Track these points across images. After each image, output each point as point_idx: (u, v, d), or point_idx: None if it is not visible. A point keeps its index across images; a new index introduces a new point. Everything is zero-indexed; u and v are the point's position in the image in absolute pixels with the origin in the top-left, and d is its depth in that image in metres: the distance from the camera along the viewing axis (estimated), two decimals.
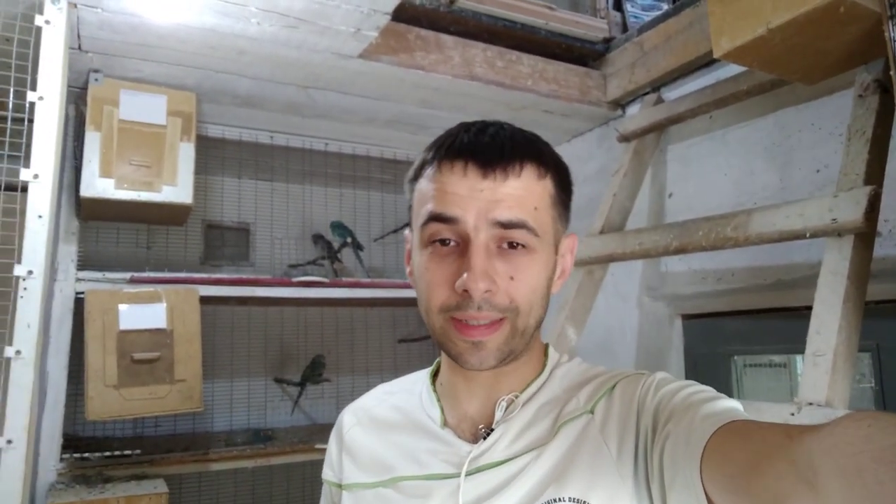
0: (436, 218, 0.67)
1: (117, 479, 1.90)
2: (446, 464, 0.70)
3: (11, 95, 1.48)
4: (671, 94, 2.06)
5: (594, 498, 0.62)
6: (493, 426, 0.71)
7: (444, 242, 0.67)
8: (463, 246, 0.66)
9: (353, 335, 2.60)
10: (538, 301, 0.68)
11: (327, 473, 0.82)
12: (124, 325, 1.83)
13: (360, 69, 1.89)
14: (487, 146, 0.67)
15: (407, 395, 0.80)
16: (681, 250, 1.64)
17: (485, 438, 0.70)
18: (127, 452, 1.97)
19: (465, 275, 0.64)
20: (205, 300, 2.05)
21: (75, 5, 1.54)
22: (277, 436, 2.28)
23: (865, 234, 1.27)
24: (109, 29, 1.66)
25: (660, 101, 2.06)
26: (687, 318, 2.07)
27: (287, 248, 2.56)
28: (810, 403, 1.16)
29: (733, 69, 1.79)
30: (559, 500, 0.63)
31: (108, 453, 1.96)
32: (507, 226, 0.65)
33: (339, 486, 0.78)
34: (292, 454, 2.12)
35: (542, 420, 0.70)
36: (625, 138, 2.07)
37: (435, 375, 0.80)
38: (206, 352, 2.00)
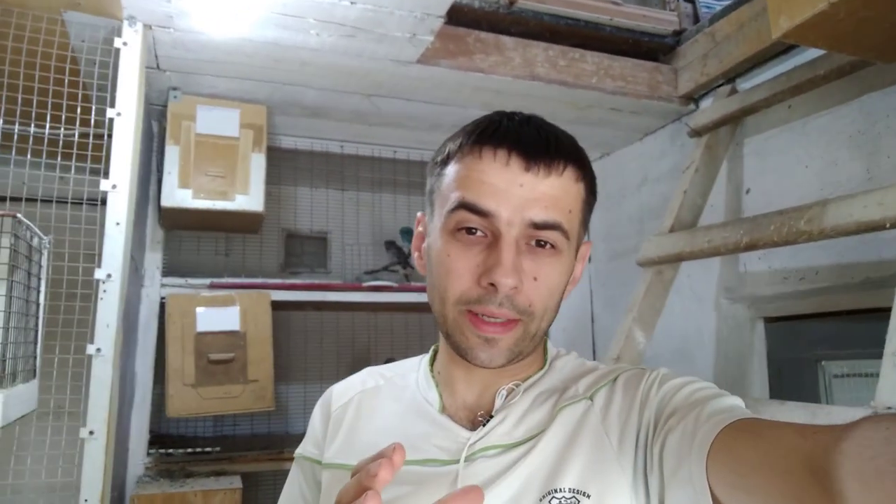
0: (468, 207, 0.64)
1: (198, 474, 2.00)
2: (442, 450, 0.69)
3: (93, 113, 1.61)
4: (746, 84, 1.95)
5: (593, 489, 0.61)
6: (493, 412, 0.70)
7: (470, 231, 0.65)
8: (492, 239, 0.64)
9: (422, 341, 2.61)
10: (553, 306, 0.67)
11: (309, 450, 0.78)
12: (201, 327, 1.93)
13: (420, 74, 1.91)
14: (534, 138, 0.65)
15: (401, 379, 0.79)
16: (751, 246, 1.54)
17: (484, 425, 0.69)
18: (207, 450, 2.07)
19: (495, 269, 0.62)
20: (281, 306, 2.12)
21: (150, 27, 1.66)
22: None
23: None
24: (182, 47, 1.76)
25: (734, 92, 1.96)
26: (770, 321, 1.94)
27: (363, 254, 2.61)
28: (889, 408, 1.05)
29: (811, 55, 1.68)
30: (559, 490, 0.62)
31: (190, 450, 2.06)
32: (540, 226, 0.64)
33: (321, 463, 0.76)
34: None
35: (541, 406, 0.69)
36: (696, 133, 1.98)
37: (432, 364, 0.78)
38: (280, 356, 2.08)
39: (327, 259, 2.63)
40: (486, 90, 2.00)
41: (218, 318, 1.96)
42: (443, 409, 0.72)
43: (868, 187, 1.57)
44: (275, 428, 2.35)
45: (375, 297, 2.28)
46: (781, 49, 1.80)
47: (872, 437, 0.39)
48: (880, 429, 0.39)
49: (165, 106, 2.03)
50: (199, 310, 1.95)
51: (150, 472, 2.04)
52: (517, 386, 0.71)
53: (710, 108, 1.97)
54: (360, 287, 2.28)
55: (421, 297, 2.32)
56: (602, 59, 2.05)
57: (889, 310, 1.56)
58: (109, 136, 1.58)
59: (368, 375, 0.82)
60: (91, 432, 1.49)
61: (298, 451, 0.80)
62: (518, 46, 1.96)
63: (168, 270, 2.15)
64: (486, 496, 0.62)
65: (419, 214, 0.75)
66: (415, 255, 0.75)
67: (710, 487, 0.51)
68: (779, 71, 1.80)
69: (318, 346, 2.47)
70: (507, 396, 0.71)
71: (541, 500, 0.61)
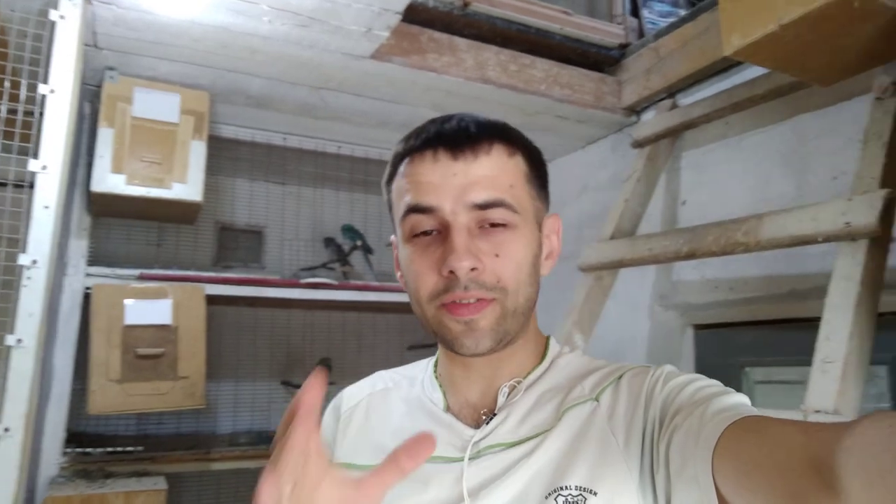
0: (414, 209, 0.67)
1: (118, 475, 1.90)
2: (449, 446, 0.69)
3: (24, 88, 1.51)
4: (687, 100, 2.03)
5: (600, 487, 0.61)
6: (496, 411, 0.70)
7: (426, 233, 0.68)
8: (444, 232, 0.66)
9: (360, 340, 2.58)
10: (525, 279, 0.68)
11: None
12: (130, 319, 1.84)
13: (372, 70, 1.89)
14: (454, 130, 0.68)
15: (408, 381, 0.80)
16: (691, 255, 1.60)
17: (487, 423, 0.69)
18: (129, 449, 1.97)
19: (449, 256, 0.64)
20: (213, 300, 2.05)
21: (90, 1, 1.57)
22: None
23: (880, 239, 1.22)
24: (124, 26, 1.67)
25: (675, 107, 2.03)
26: (699, 328, 2.02)
27: (298, 251, 2.55)
28: (817, 411, 1.11)
29: (750, 74, 1.76)
30: (565, 487, 0.62)
31: (110, 449, 1.95)
32: (484, 206, 0.66)
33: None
34: None
35: (546, 405, 0.69)
36: (638, 144, 2.05)
37: (436, 365, 0.79)
38: (211, 353, 2.00)
39: (262, 254, 2.55)
40: (437, 90, 2.00)
41: (148, 310, 1.87)
42: (447, 409, 0.73)
43: (797, 204, 1.66)
44: (202, 427, 2.26)
45: (314, 294, 2.23)
46: (721, 67, 1.88)
47: (875, 435, 0.39)
48: (883, 426, 0.39)
49: (99, 86, 1.92)
50: (128, 302, 1.86)
51: (65, 473, 1.92)
52: (518, 383, 0.71)
53: (653, 121, 2.04)
54: (298, 283, 2.23)
55: (361, 296, 2.29)
56: (551, 66, 2.09)
57: (811, 320, 1.65)
58: (41, 114, 1.49)
59: (378, 378, 0.83)
60: (6, 429, 1.39)
61: None
62: (471, 48, 1.97)
63: (94, 259, 2.03)
64: (492, 492, 0.63)
65: (391, 238, 0.76)
66: (398, 274, 0.75)
67: (716, 486, 0.52)
68: (718, 88, 1.89)
69: (252, 344, 2.40)
70: (509, 394, 0.71)
71: (546, 497, 0.62)
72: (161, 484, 1.82)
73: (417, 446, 0.52)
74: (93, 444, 2.00)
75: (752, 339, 1.91)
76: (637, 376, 0.68)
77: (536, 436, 0.66)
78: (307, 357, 2.47)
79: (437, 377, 0.77)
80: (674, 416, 0.60)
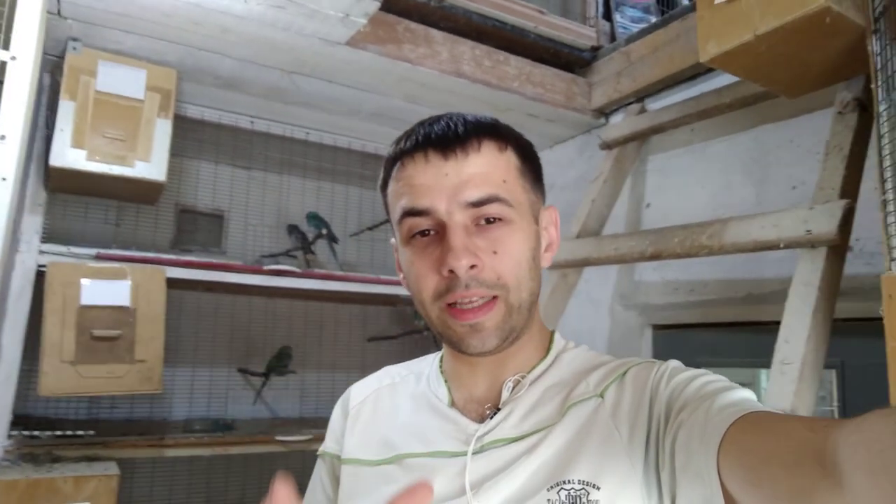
0: (409, 212, 0.68)
1: (67, 459, 1.84)
2: (453, 441, 0.69)
3: None
4: (655, 105, 2.07)
5: (604, 482, 0.61)
6: (500, 406, 0.70)
7: (423, 234, 0.68)
8: (442, 232, 0.67)
9: (321, 330, 2.56)
10: (526, 274, 0.68)
11: (330, 446, 0.81)
12: (86, 300, 1.78)
13: (347, 57, 1.87)
14: (443, 130, 0.68)
15: (414, 377, 0.81)
16: (656, 256, 1.64)
17: (491, 418, 0.69)
18: (79, 433, 1.91)
19: (447, 256, 0.64)
20: (173, 283, 2.00)
21: None
22: (237, 426, 2.22)
23: (838, 247, 1.28)
24: None
25: (643, 111, 2.08)
26: (657, 328, 2.08)
27: (261, 237, 2.51)
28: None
29: (717, 83, 1.81)
30: (569, 481, 0.62)
31: (58, 432, 1.89)
32: (478, 204, 0.66)
33: (340, 458, 0.78)
34: (251, 445, 2.07)
35: (550, 401, 0.69)
36: (606, 145, 2.08)
37: (441, 361, 0.80)
38: (169, 338, 1.95)
39: (223, 239, 2.50)
40: (411, 81, 2.00)
41: (106, 291, 1.81)
42: (451, 404, 0.74)
43: (757, 211, 1.72)
44: (156, 413, 2.20)
45: (276, 281, 2.20)
46: (690, 75, 1.93)
47: (881, 430, 0.39)
48: (889, 422, 0.39)
49: (61, 57, 1.85)
50: (85, 281, 1.80)
51: (9, 457, 1.85)
52: (523, 378, 0.72)
53: (621, 124, 2.08)
54: (260, 270, 2.19)
55: (324, 285, 2.27)
56: (524, 64, 2.11)
57: (765, 324, 1.72)
58: (0, 81, 1.42)
59: (385, 374, 0.84)
60: None
61: (321, 448, 0.83)
62: (447, 41, 1.97)
63: (48, 236, 1.96)
64: (494, 487, 0.64)
65: (391, 241, 0.77)
66: (399, 276, 0.75)
67: (721, 482, 0.52)
68: (686, 95, 1.94)
69: (210, 330, 2.35)
70: (513, 389, 0.71)
71: (549, 490, 0.62)
72: (113, 469, 1.77)
73: (414, 497, 0.50)
74: (40, 428, 1.93)
75: (709, 340, 1.96)
76: (642, 372, 0.68)
77: (540, 431, 0.67)
78: (267, 345, 2.43)
79: (442, 373, 0.77)
80: (679, 411, 0.60)
